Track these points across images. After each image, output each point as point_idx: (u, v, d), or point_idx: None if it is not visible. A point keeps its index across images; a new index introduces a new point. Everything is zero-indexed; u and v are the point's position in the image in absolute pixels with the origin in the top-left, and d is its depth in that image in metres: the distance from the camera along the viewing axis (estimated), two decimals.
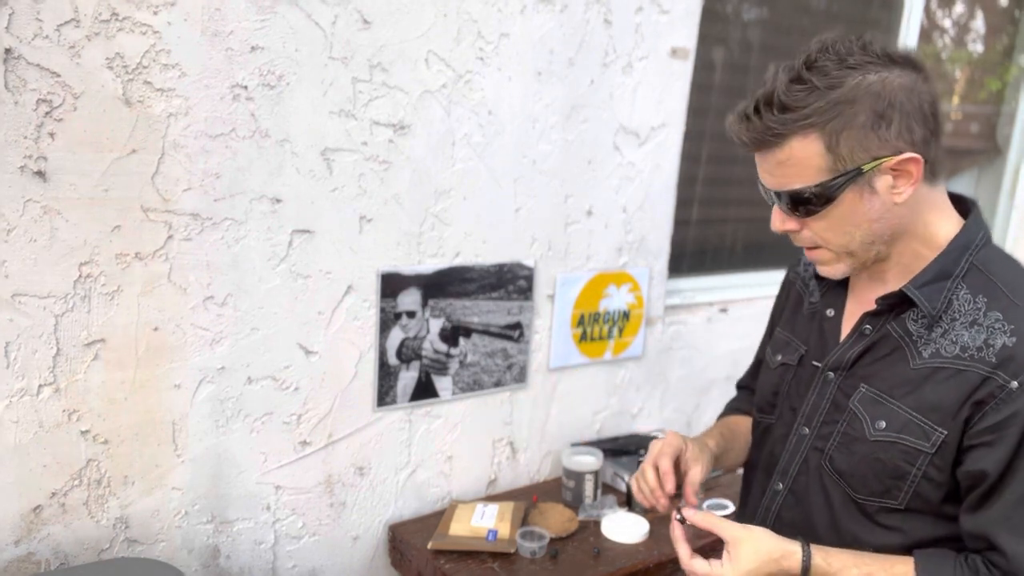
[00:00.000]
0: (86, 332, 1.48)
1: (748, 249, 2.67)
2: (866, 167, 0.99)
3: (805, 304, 1.26)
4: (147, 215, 1.50)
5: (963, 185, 3.49)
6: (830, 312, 1.19)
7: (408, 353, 1.89)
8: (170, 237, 1.53)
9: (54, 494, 1.51)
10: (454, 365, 1.97)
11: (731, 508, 1.56)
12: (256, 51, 1.55)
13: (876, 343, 1.09)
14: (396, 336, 1.86)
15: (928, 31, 3.00)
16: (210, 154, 1.54)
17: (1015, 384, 0.97)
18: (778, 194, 1.04)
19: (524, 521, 1.92)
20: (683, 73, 2.19)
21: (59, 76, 1.37)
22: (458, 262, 1.91)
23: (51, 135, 1.38)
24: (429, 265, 1.87)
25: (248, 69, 1.54)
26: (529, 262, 2.03)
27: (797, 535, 1.08)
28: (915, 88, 0.99)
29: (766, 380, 1.28)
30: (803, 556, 1.04)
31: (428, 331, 1.90)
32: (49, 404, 1.47)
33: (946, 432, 1.01)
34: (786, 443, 1.19)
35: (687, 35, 2.17)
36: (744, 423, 1.39)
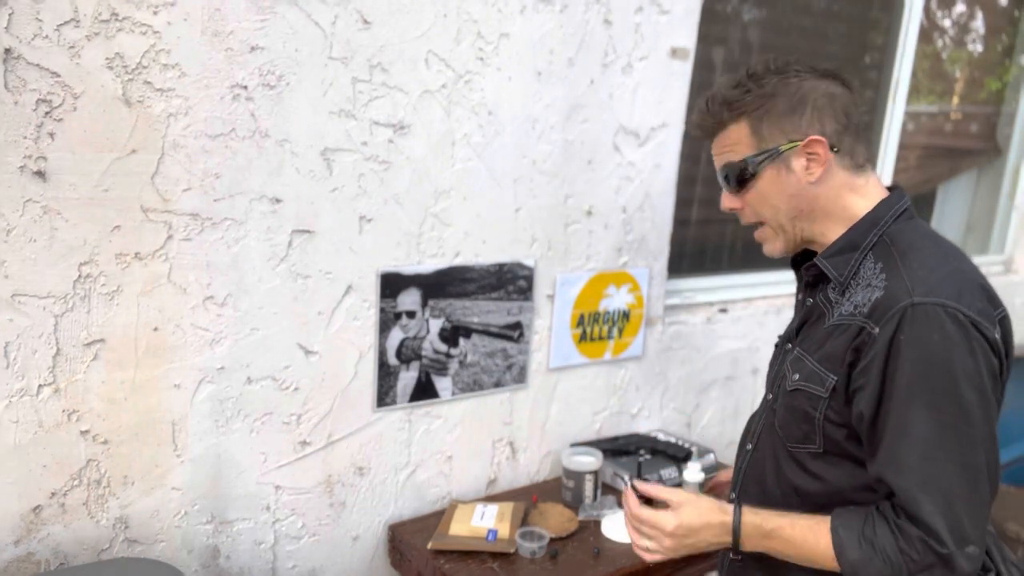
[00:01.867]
0: (86, 332, 1.48)
1: (748, 249, 2.67)
2: (782, 147, 1.20)
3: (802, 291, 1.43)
4: (147, 215, 1.50)
5: (963, 185, 3.49)
6: (800, 295, 1.36)
7: (408, 353, 1.89)
8: (170, 237, 1.53)
9: (54, 494, 1.51)
10: (454, 365, 1.97)
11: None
12: (256, 51, 1.55)
13: (810, 311, 1.27)
14: (396, 336, 1.86)
15: (928, 31, 3.00)
16: (210, 154, 1.54)
17: (876, 330, 1.10)
18: (723, 174, 1.26)
19: (524, 521, 1.92)
20: (683, 73, 2.19)
21: (59, 76, 1.37)
22: (458, 262, 1.91)
23: (51, 135, 1.38)
24: (429, 265, 1.87)
25: (248, 69, 1.54)
26: (529, 262, 2.03)
27: (755, 487, 1.29)
28: (832, 92, 1.20)
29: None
30: (734, 515, 1.19)
31: (428, 331, 1.90)
32: (49, 404, 1.47)
33: (836, 378, 1.15)
34: (759, 409, 1.37)
35: (687, 35, 2.17)
36: None
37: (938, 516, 1.05)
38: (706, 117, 1.26)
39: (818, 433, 1.18)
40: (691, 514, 1.22)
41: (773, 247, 1.29)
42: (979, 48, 3.24)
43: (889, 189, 1.25)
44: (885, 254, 1.18)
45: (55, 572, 1.47)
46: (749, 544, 1.20)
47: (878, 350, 1.09)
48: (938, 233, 1.23)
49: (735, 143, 1.24)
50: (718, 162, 1.28)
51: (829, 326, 1.19)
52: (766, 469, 1.29)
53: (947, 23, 3.10)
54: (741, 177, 1.24)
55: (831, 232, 1.24)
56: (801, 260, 1.34)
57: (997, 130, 3.39)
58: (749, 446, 1.35)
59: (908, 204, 1.23)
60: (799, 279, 1.35)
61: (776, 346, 1.40)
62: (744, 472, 1.35)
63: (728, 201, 1.29)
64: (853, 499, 1.17)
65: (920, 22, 2.83)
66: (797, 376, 1.22)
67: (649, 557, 1.27)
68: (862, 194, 1.23)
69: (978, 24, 3.20)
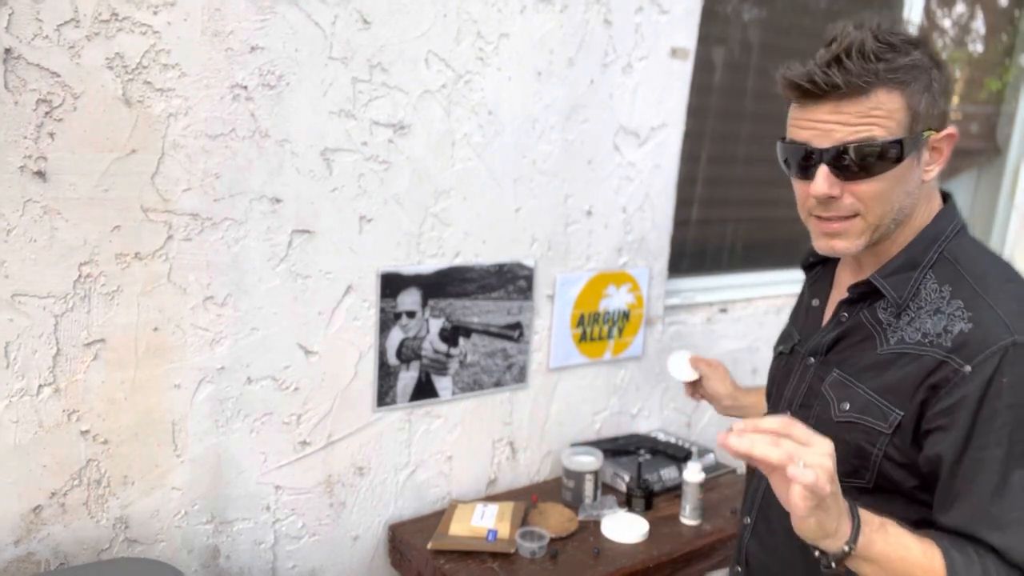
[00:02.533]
0: (86, 332, 1.48)
1: (748, 249, 2.67)
2: (925, 134, 1.03)
3: (806, 295, 1.32)
4: (147, 215, 1.50)
5: (963, 185, 3.49)
6: (815, 302, 1.25)
7: (408, 353, 1.89)
8: (170, 237, 1.53)
9: (54, 494, 1.51)
10: (454, 365, 1.97)
11: None
12: (256, 51, 1.55)
13: (850, 330, 1.13)
14: (396, 336, 1.86)
15: (928, 31, 3.00)
16: (210, 154, 1.54)
17: (968, 368, 0.98)
18: (841, 150, 1.01)
19: (524, 521, 1.92)
20: (683, 73, 2.19)
21: (59, 76, 1.37)
22: (458, 262, 1.91)
23: (51, 135, 1.38)
24: (429, 265, 1.87)
25: (248, 69, 1.54)
26: (529, 262, 2.03)
27: (783, 516, 1.06)
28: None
29: (769, 370, 1.34)
30: (852, 527, 0.94)
31: (428, 331, 1.90)
32: (49, 404, 1.47)
33: (903, 413, 1.03)
34: None
35: (687, 35, 2.17)
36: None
37: None
38: (851, 70, 0.99)
39: (871, 470, 1.07)
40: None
41: (849, 245, 1.07)
42: (979, 48, 3.24)
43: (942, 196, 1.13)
44: (951, 276, 1.06)
45: (55, 572, 1.47)
46: (867, 530, 0.96)
47: (970, 391, 0.98)
48: (990, 249, 1.14)
49: (886, 115, 1.01)
50: (845, 133, 1.01)
51: (888, 352, 1.07)
52: None
53: (947, 23, 3.10)
54: (881, 158, 1.01)
55: (893, 243, 1.10)
56: (815, 261, 1.27)
57: (997, 130, 3.39)
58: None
59: (963, 217, 1.12)
60: (812, 282, 1.27)
61: (780, 354, 1.29)
62: (763, 495, 1.23)
63: (829, 186, 1.03)
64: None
65: (920, 22, 2.83)
66: (847, 406, 1.09)
67: (806, 479, 0.87)
68: (930, 201, 1.10)
69: (978, 24, 3.20)
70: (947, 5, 3.04)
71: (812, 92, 1.01)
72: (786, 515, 1.03)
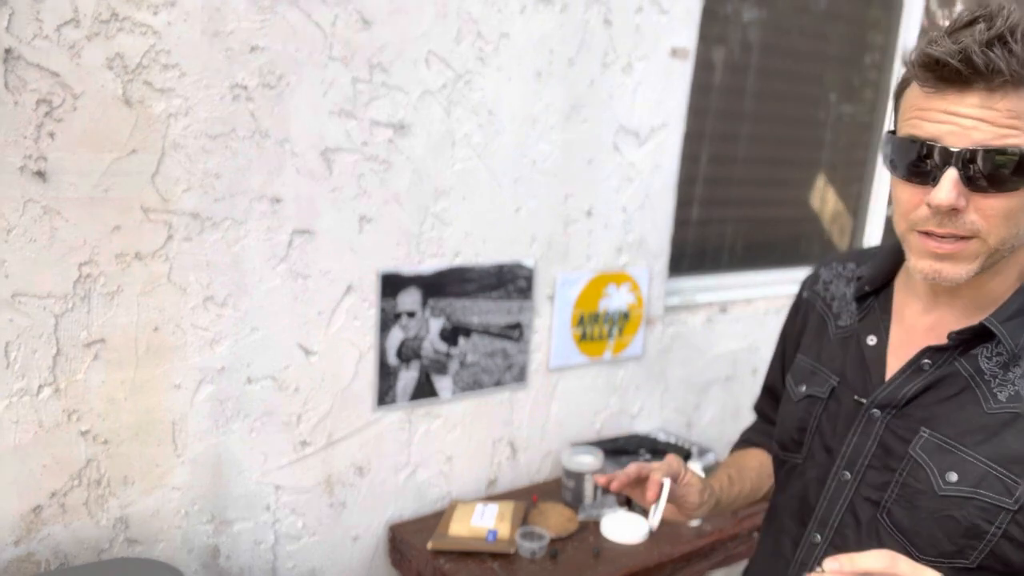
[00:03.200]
0: (86, 332, 1.48)
1: (748, 249, 2.67)
2: None
3: (831, 328, 1.12)
4: (147, 215, 1.50)
5: None
6: (871, 340, 1.04)
7: (408, 353, 1.89)
8: (170, 237, 1.53)
9: (54, 494, 1.51)
10: (454, 365, 1.97)
11: None
12: (256, 51, 1.55)
13: (939, 381, 0.96)
14: (396, 336, 1.86)
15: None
16: (210, 154, 1.54)
17: None
18: (981, 155, 0.83)
19: (524, 521, 1.92)
20: (683, 73, 2.19)
21: (59, 76, 1.37)
22: (458, 262, 1.91)
23: (51, 135, 1.38)
24: (429, 265, 1.87)
25: (248, 69, 1.54)
26: (529, 262, 2.03)
27: (868, 537, 0.98)
28: None
29: (789, 413, 1.13)
30: None
31: (428, 331, 1.90)
32: (49, 404, 1.47)
33: None
34: (823, 489, 1.05)
35: (687, 35, 2.17)
36: (756, 459, 1.28)
37: None
38: (1011, 58, 0.81)
39: (983, 550, 0.91)
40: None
41: (959, 271, 0.89)
42: None
43: None
44: None
45: (55, 572, 1.47)
46: None
47: None
48: None
49: None
50: (988, 134, 0.83)
51: (1002, 412, 0.91)
52: None
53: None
54: (1019, 172, 0.83)
55: (995, 276, 0.94)
56: (869, 292, 1.07)
57: None
58: (818, 537, 1.04)
59: None
60: (866, 313, 1.07)
61: (811, 397, 1.09)
62: (842, 510, 1.04)
63: (955, 196, 0.84)
64: None
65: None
66: (955, 477, 0.91)
67: None
68: None
69: None
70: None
71: (957, 76, 0.82)
72: (869, 535, 0.97)
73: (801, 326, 1.19)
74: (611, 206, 2.14)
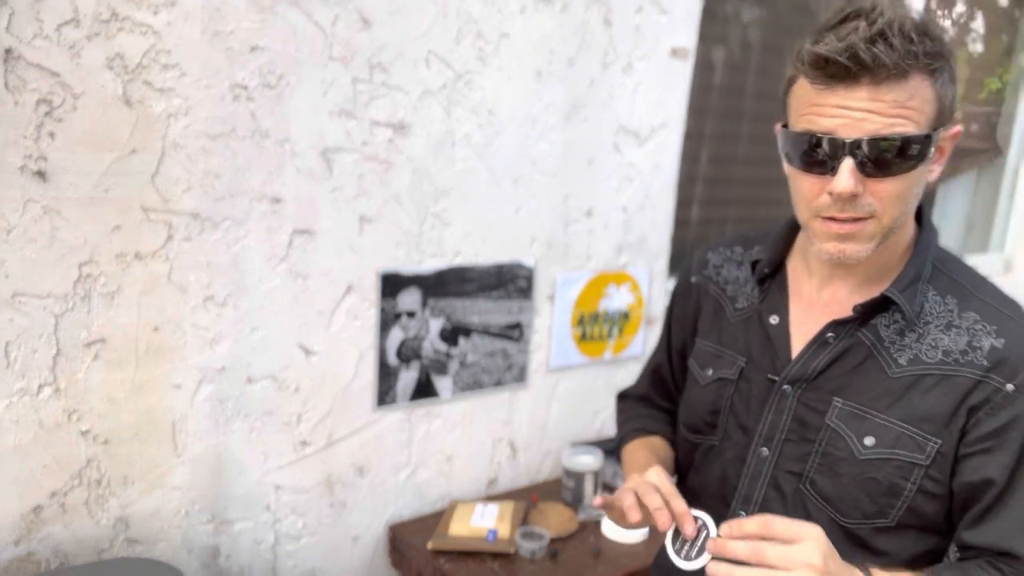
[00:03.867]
0: (86, 332, 1.48)
1: None
2: (941, 130, 0.92)
3: (729, 311, 1.15)
4: (147, 215, 1.50)
5: (963, 185, 3.49)
6: (774, 319, 1.08)
7: (408, 353, 1.89)
8: (170, 237, 1.53)
9: (54, 494, 1.51)
10: (454, 365, 1.97)
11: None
12: (256, 51, 1.55)
13: (844, 352, 1.01)
14: (396, 336, 1.86)
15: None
16: (210, 154, 1.54)
17: (1011, 387, 0.93)
18: (873, 143, 0.88)
19: (524, 521, 1.92)
20: (683, 73, 2.19)
21: (59, 76, 1.37)
22: (458, 262, 1.91)
23: (51, 135, 1.38)
24: (429, 265, 1.87)
25: (248, 69, 1.54)
26: (529, 262, 2.03)
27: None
28: None
29: (698, 397, 1.15)
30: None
31: (428, 331, 1.90)
32: (49, 404, 1.47)
33: (941, 441, 0.95)
34: (743, 467, 1.08)
35: (687, 35, 2.17)
36: (664, 450, 1.25)
37: None
38: (897, 49, 0.86)
39: (900, 507, 0.97)
40: (832, 551, 0.89)
41: (860, 249, 0.95)
42: (979, 48, 3.24)
43: None
44: (948, 286, 1.00)
45: (55, 572, 1.47)
46: None
47: (1020, 411, 0.93)
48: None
49: (919, 106, 0.89)
50: (879, 124, 0.88)
51: (904, 375, 0.97)
52: None
53: (947, 23, 3.09)
54: (909, 156, 0.89)
55: (886, 250, 0.99)
56: (768, 274, 1.10)
57: (997, 130, 3.39)
58: (743, 514, 1.07)
59: None
60: (765, 291, 1.10)
61: (720, 380, 1.11)
62: (765, 486, 1.07)
63: (853, 184, 0.89)
64: (900, 564, 1.00)
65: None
66: (872, 440, 0.97)
67: None
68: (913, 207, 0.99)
69: (978, 24, 3.20)
70: (947, 5, 3.04)
71: (846, 72, 0.87)
72: (795, 506, 1.01)
73: (695, 310, 1.22)
74: (611, 206, 2.14)
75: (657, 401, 1.35)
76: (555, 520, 1.92)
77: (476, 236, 1.92)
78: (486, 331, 2.00)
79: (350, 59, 1.65)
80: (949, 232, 3.49)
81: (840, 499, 0.99)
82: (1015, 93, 3.36)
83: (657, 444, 1.27)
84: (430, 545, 1.80)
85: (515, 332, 2.05)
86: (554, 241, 2.06)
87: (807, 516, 1.01)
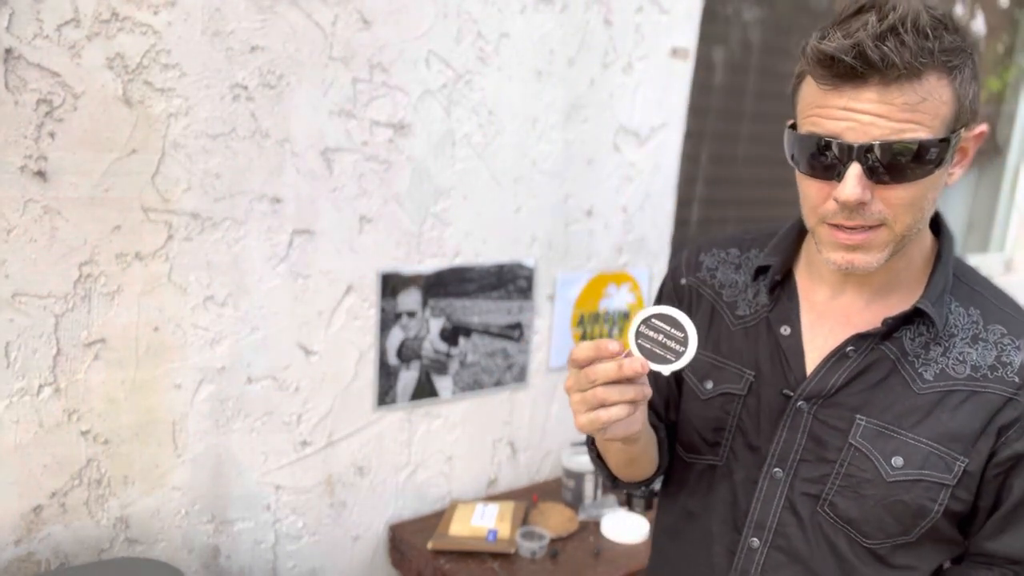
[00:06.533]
0: (86, 332, 1.48)
1: None
2: (963, 131, 0.86)
3: (728, 318, 1.07)
4: (147, 215, 1.50)
5: (963, 185, 3.49)
6: (785, 330, 1.00)
7: (408, 353, 1.89)
8: (170, 237, 1.53)
9: (54, 494, 1.51)
10: (454, 365, 1.97)
11: None
12: (256, 51, 1.55)
13: (867, 367, 0.95)
14: (396, 336, 1.86)
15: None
16: (210, 154, 1.54)
17: None
18: (882, 149, 0.82)
19: (524, 521, 1.92)
20: (683, 73, 2.19)
21: (59, 76, 1.37)
22: (458, 262, 1.91)
23: (51, 135, 1.38)
24: (429, 265, 1.87)
25: (248, 69, 1.54)
26: (529, 262, 2.03)
27: (816, 541, 0.98)
28: None
29: (699, 413, 1.06)
30: None
31: (428, 331, 1.90)
32: (49, 404, 1.47)
33: (968, 460, 0.91)
34: (755, 490, 1.01)
35: (687, 35, 2.17)
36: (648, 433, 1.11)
37: None
38: (909, 47, 0.79)
39: (925, 527, 0.94)
40: None
41: (871, 260, 0.89)
42: (979, 48, 3.24)
43: None
44: (969, 296, 0.96)
45: (55, 572, 1.47)
46: None
47: None
48: None
49: (935, 108, 0.82)
50: (889, 129, 0.81)
51: (931, 392, 0.93)
52: (818, 572, 0.98)
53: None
54: (923, 162, 0.83)
55: (902, 258, 0.94)
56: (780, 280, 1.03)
57: (997, 130, 3.39)
58: (755, 541, 1.01)
59: None
60: (776, 300, 1.03)
61: (726, 395, 1.03)
62: (778, 508, 1.00)
63: (860, 191, 0.83)
64: None
65: None
66: (901, 461, 0.92)
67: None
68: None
69: (978, 24, 3.20)
70: (947, 6, 3.04)
71: (852, 72, 0.81)
72: (814, 531, 0.96)
73: (688, 314, 1.13)
74: (611, 206, 2.14)
75: None
76: (555, 520, 1.92)
77: (476, 236, 1.92)
78: (486, 331, 2.00)
79: (350, 59, 1.65)
80: None
81: (864, 521, 0.95)
82: (1015, 93, 3.36)
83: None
84: (430, 545, 1.80)
85: (515, 332, 2.05)
86: (554, 241, 2.06)
87: (825, 539, 0.97)
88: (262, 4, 1.53)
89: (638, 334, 0.85)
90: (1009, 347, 0.93)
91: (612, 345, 0.83)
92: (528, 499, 2.03)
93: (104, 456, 1.54)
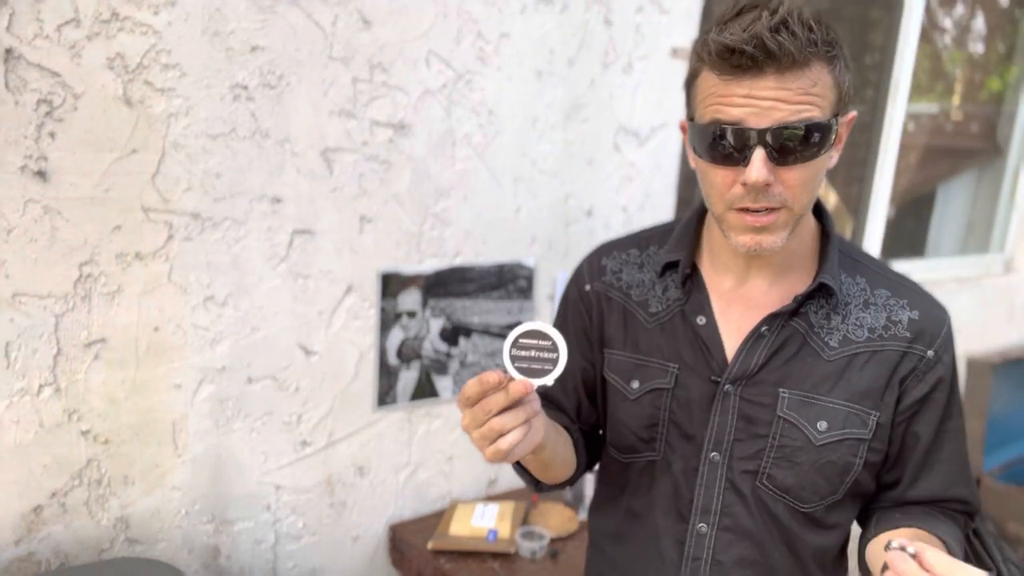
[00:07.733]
0: (86, 332, 1.48)
1: None
2: (841, 115, 0.94)
3: (641, 317, 1.10)
4: (147, 215, 1.50)
5: (963, 185, 3.49)
6: (700, 320, 1.05)
7: (408, 353, 1.89)
8: (170, 237, 1.53)
9: (54, 494, 1.51)
10: (454, 365, 1.97)
11: None
12: (256, 51, 1.55)
13: (783, 344, 1.02)
14: (396, 336, 1.86)
15: (928, 31, 3.00)
16: (210, 154, 1.54)
17: (931, 352, 1.02)
18: (782, 131, 0.88)
19: (524, 521, 1.92)
20: (683, 73, 2.19)
21: (59, 76, 1.37)
22: (458, 262, 1.91)
23: (51, 135, 1.39)
24: (429, 265, 1.87)
25: (248, 69, 1.54)
26: (529, 262, 2.03)
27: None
28: None
29: (631, 412, 1.09)
30: None
31: (428, 331, 1.90)
32: (49, 404, 1.47)
33: (879, 413, 1.01)
34: (696, 477, 1.05)
35: (687, 35, 2.17)
36: (564, 434, 1.12)
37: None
38: (799, 39, 0.87)
39: (849, 482, 1.03)
40: None
41: (776, 240, 0.95)
42: (980, 48, 3.24)
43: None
44: (857, 268, 1.06)
45: (56, 572, 1.47)
46: None
47: (943, 374, 1.02)
48: None
49: (822, 92, 0.90)
50: (787, 112, 0.88)
51: (838, 356, 1.01)
52: (764, 546, 1.04)
53: (947, 23, 3.10)
54: (816, 143, 0.90)
55: (795, 241, 1.01)
56: (688, 275, 1.07)
57: (997, 130, 3.39)
58: (703, 527, 1.05)
59: None
60: (688, 294, 1.06)
61: (670, 387, 1.06)
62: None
63: (766, 173, 0.89)
64: (846, 534, 1.10)
65: (920, 22, 2.83)
66: (825, 425, 1.00)
67: None
68: None
69: (979, 24, 3.20)
70: (947, 5, 3.04)
71: (752, 61, 0.86)
72: (757, 505, 1.03)
73: (599, 320, 1.14)
74: (611, 206, 2.14)
75: (559, 401, 1.19)
76: (555, 520, 1.92)
77: (476, 236, 1.92)
78: (486, 331, 2.00)
79: (350, 59, 1.65)
80: (949, 232, 3.49)
81: (800, 487, 1.02)
82: (1015, 93, 3.36)
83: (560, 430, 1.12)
84: (430, 545, 1.80)
85: None
86: (554, 241, 2.06)
87: (766, 511, 1.03)
88: (262, 4, 1.53)
89: (512, 357, 0.89)
90: (896, 307, 1.03)
91: (492, 376, 0.86)
92: (528, 499, 2.03)
93: (104, 456, 1.55)
